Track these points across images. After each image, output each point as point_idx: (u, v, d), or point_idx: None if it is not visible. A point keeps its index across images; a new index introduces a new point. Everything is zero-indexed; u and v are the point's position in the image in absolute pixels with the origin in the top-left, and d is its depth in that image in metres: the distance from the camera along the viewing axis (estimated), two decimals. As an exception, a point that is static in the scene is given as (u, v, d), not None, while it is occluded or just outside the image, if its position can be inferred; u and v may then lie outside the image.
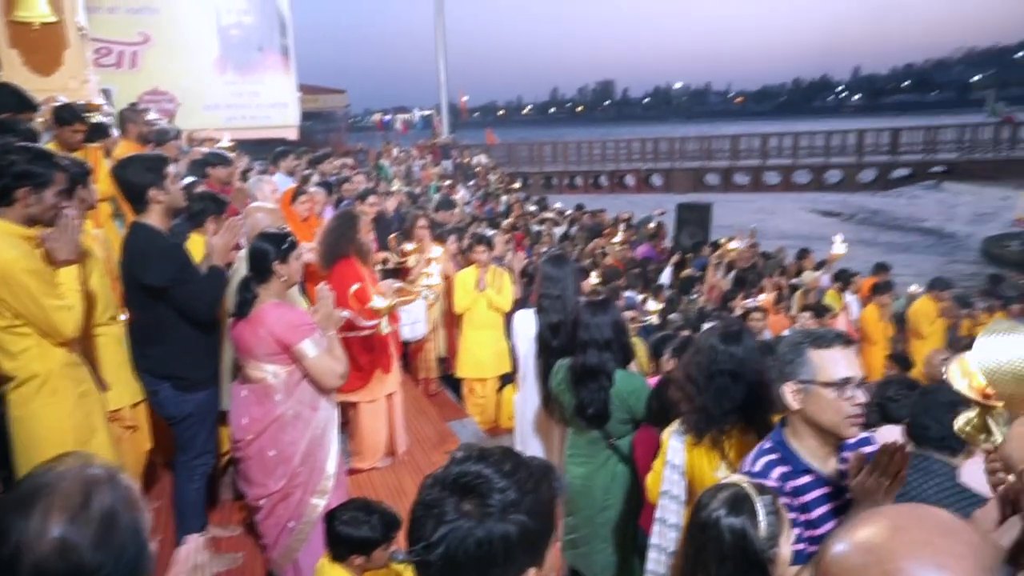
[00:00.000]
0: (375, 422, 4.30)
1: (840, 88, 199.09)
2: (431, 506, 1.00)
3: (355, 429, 4.36)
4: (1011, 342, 1.15)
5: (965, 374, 1.46)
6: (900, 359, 5.68)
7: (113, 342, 3.09)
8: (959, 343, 6.98)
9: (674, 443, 2.28)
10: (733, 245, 8.32)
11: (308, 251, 3.89)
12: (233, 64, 14.76)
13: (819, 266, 9.18)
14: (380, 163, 19.96)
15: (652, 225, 10.59)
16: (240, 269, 3.19)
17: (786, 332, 6.33)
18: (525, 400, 3.68)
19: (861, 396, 1.72)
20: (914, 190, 27.23)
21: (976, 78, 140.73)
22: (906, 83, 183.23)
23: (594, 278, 5.73)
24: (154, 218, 3.00)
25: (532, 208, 13.07)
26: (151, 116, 5.93)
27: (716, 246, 9.54)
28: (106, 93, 8.13)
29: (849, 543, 0.75)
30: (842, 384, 1.70)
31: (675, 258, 8.65)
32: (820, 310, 7.23)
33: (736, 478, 1.62)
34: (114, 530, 1.03)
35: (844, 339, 1.78)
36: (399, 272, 5.54)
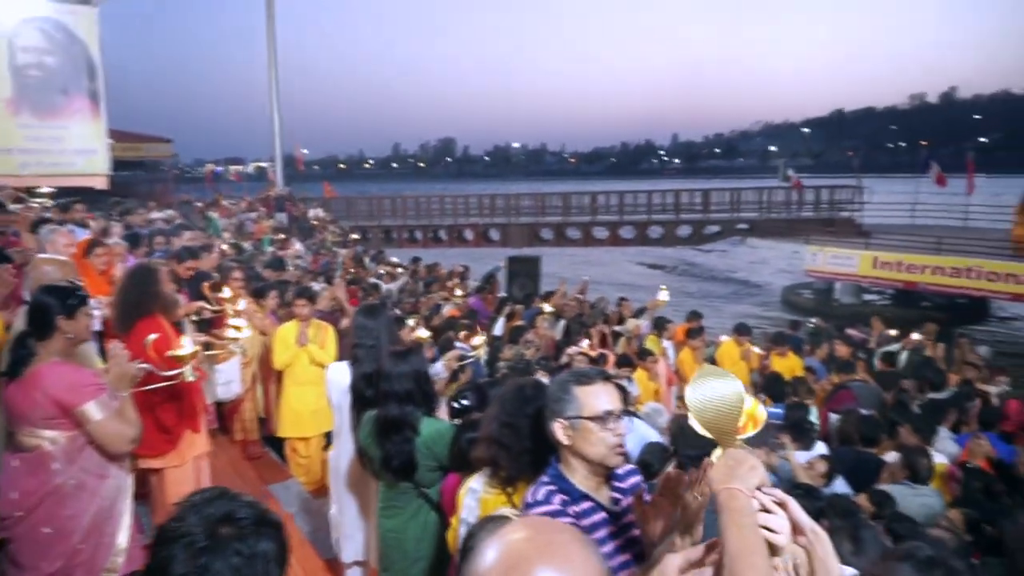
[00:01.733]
0: (181, 488, 3.97)
1: (662, 152, 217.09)
2: None
3: (158, 497, 4.01)
4: (715, 385, 1.32)
5: None
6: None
7: None
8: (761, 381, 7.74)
9: (468, 502, 2.31)
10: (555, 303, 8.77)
11: (102, 307, 3.59)
12: (30, 106, 13.50)
13: (638, 313, 9.82)
14: (209, 215, 18.98)
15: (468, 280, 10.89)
16: (19, 326, 2.90)
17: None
18: (340, 455, 3.58)
19: (622, 428, 1.86)
20: (723, 245, 30.10)
21: (772, 148, 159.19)
22: (717, 150, 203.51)
23: (422, 330, 5.74)
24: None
25: (368, 261, 12.94)
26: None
27: (548, 296, 9.96)
28: None
29: (488, 558, 0.82)
30: (605, 417, 1.82)
31: (507, 309, 8.89)
32: (643, 354, 7.73)
33: (505, 511, 1.69)
34: None
35: (605, 375, 1.93)
36: (214, 323, 5.26)
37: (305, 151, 32.52)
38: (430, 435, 2.84)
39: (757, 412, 1.41)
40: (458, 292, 9.92)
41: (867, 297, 20.33)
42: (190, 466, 3.98)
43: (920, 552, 1.40)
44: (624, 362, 6.73)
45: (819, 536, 1.23)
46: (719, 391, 1.29)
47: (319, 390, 5.07)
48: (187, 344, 3.17)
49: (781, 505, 1.24)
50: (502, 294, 11.03)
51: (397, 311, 7.67)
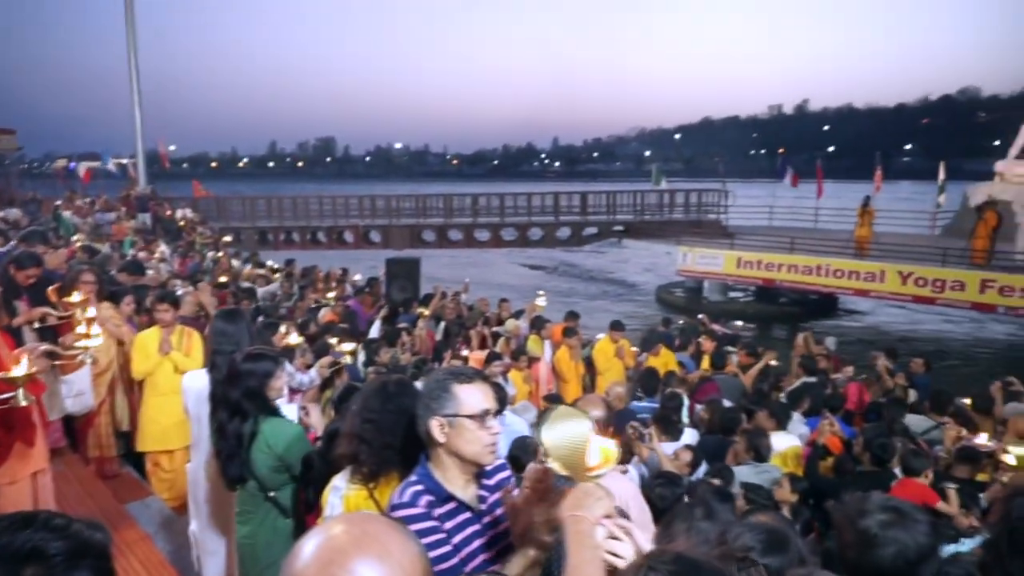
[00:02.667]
0: (15, 508, 3.63)
1: (543, 155, 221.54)
2: None
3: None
4: (567, 425, 1.40)
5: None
6: (554, 398, 6.36)
7: None
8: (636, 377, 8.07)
9: (332, 499, 2.27)
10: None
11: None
12: None
13: (517, 314, 9.98)
14: (59, 214, 17.48)
15: (357, 279, 10.69)
16: None
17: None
18: (198, 467, 3.40)
19: (497, 427, 1.89)
20: (602, 246, 31.14)
21: (647, 153, 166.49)
22: (595, 154, 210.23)
23: (294, 336, 5.55)
24: None
25: (238, 264, 12.37)
26: None
27: (427, 300, 9.92)
28: None
29: (305, 555, 0.81)
30: (482, 416, 1.84)
31: (384, 312, 8.78)
32: (516, 354, 7.85)
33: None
34: None
35: (481, 375, 1.95)
36: (60, 331, 4.84)
37: (172, 147, 30.64)
38: (271, 436, 2.78)
39: (610, 454, 1.51)
40: (331, 295, 9.69)
41: (732, 295, 21.65)
42: (26, 484, 3.63)
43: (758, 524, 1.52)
44: (494, 358, 6.79)
45: None
46: (571, 431, 1.37)
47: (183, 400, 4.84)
48: (21, 366, 2.88)
49: (627, 532, 1.38)
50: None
51: (268, 317, 7.39)
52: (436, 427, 1.87)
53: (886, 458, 4.59)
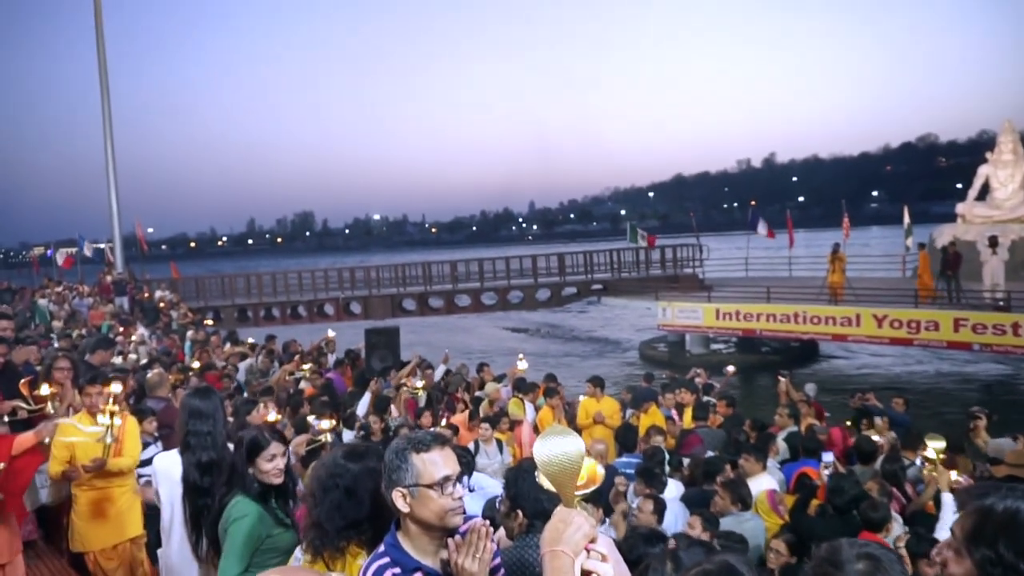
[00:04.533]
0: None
1: (520, 219, 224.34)
2: None
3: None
4: (558, 442, 1.43)
5: None
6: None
7: None
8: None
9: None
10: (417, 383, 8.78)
11: None
12: None
13: (499, 378, 9.97)
14: (35, 303, 17.35)
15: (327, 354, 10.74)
16: None
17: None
18: (171, 553, 3.32)
19: (459, 490, 1.90)
20: (581, 306, 31.33)
21: (622, 211, 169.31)
22: (572, 215, 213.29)
23: (272, 413, 5.51)
24: None
25: (216, 340, 12.30)
26: None
27: (402, 367, 9.92)
28: None
29: None
30: (443, 483, 1.86)
31: (373, 386, 8.69)
32: (495, 419, 7.81)
33: None
34: None
35: (441, 440, 1.96)
36: (31, 424, 4.77)
37: (150, 229, 30.78)
38: (231, 508, 2.77)
39: (595, 472, 1.53)
40: (306, 367, 9.63)
41: (714, 346, 21.79)
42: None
43: (713, 566, 1.54)
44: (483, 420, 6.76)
45: None
46: (563, 448, 1.40)
47: (122, 488, 4.35)
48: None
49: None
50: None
51: (245, 393, 7.33)
52: (399, 498, 1.88)
53: (846, 509, 4.57)
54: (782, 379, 9.20)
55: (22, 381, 4.92)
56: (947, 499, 4.34)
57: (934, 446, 4.49)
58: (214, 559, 2.99)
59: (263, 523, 2.71)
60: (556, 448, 1.43)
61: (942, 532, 4.35)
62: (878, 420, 7.68)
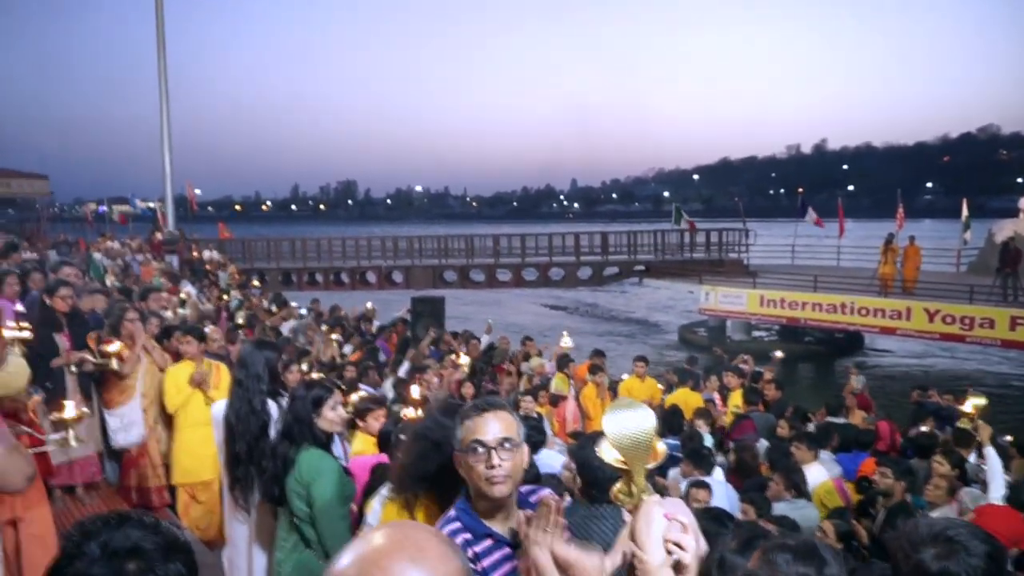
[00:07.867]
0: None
1: (562, 197, 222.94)
2: None
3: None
4: (629, 415, 1.40)
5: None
6: (575, 435, 6.43)
7: None
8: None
9: (375, 505, 2.34)
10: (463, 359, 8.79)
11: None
12: None
13: (540, 353, 10.00)
14: (91, 255, 17.88)
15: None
16: None
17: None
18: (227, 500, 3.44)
19: (496, 459, 1.84)
20: (623, 286, 31.11)
21: (666, 193, 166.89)
22: (614, 195, 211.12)
23: (313, 375, 5.63)
24: None
25: (266, 304, 12.55)
26: None
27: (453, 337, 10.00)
28: None
29: (347, 557, 0.85)
30: (474, 448, 1.84)
31: (411, 354, 8.80)
32: (539, 390, 7.85)
33: None
34: None
35: (498, 405, 1.94)
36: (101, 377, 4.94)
37: (198, 191, 31.32)
38: (304, 465, 2.80)
39: (658, 447, 1.50)
40: (335, 336, 9.78)
41: (756, 333, 21.48)
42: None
43: (794, 541, 1.49)
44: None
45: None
46: (637, 421, 1.37)
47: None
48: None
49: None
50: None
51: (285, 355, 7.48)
52: (458, 461, 1.92)
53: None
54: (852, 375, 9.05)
55: (89, 335, 5.06)
56: (990, 452, 4.72)
57: (974, 403, 4.68)
58: (271, 511, 3.06)
59: (343, 479, 2.79)
60: (630, 422, 1.40)
61: (993, 485, 4.61)
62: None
